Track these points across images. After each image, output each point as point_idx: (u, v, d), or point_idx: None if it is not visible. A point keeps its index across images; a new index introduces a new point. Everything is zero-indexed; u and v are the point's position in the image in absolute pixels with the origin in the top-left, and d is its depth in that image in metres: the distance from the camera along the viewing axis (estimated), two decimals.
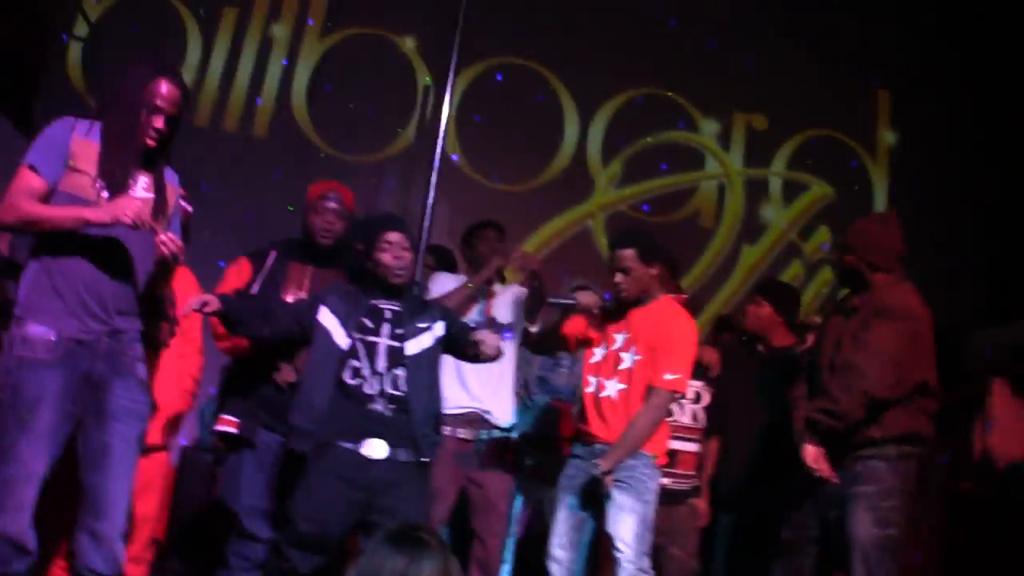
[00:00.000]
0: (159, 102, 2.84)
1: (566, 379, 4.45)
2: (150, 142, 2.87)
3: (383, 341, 3.28)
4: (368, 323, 3.29)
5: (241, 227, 5.85)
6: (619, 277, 3.61)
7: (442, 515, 3.82)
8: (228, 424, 3.56)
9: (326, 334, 3.27)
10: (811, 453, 3.42)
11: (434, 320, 3.38)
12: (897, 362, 3.38)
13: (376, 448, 3.19)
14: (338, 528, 3.20)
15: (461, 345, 3.41)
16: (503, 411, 4.01)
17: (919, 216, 6.66)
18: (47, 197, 2.79)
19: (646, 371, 3.52)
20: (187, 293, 3.74)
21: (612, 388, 3.57)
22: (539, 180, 6.71)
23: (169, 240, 2.77)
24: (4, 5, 5.51)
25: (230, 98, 6.69)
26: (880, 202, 6.83)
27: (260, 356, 3.55)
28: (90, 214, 2.73)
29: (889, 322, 3.41)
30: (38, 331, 2.73)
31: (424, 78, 6.63)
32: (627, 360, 3.56)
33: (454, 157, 6.44)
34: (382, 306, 3.34)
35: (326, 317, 3.29)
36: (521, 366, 4.27)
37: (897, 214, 6.53)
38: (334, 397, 3.22)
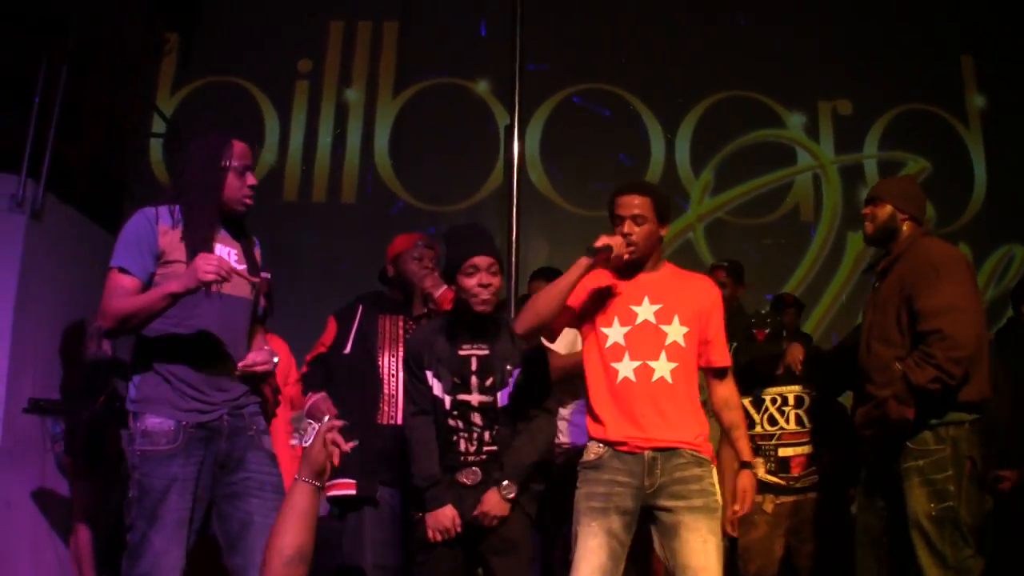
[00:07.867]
0: (244, 161, 2.78)
1: None
2: (248, 201, 2.80)
3: (474, 397, 3.06)
4: (457, 380, 3.06)
5: (340, 293, 5.83)
6: (629, 226, 2.89)
7: None
8: (344, 488, 3.40)
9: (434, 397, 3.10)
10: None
11: (516, 364, 3.08)
12: (975, 312, 3.15)
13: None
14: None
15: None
16: None
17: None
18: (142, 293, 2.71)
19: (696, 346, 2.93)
20: (282, 363, 3.69)
21: (663, 368, 2.85)
22: None
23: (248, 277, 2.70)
24: (87, 119, 5.61)
25: (315, 169, 6.75)
26: (979, 166, 6.68)
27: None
28: (173, 286, 2.60)
29: (950, 278, 3.12)
30: (156, 422, 2.66)
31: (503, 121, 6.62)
32: (672, 333, 2.89)
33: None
34: (468, 353, 3.08)
35: (432, 381, 3.10)
36: None
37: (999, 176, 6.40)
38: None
